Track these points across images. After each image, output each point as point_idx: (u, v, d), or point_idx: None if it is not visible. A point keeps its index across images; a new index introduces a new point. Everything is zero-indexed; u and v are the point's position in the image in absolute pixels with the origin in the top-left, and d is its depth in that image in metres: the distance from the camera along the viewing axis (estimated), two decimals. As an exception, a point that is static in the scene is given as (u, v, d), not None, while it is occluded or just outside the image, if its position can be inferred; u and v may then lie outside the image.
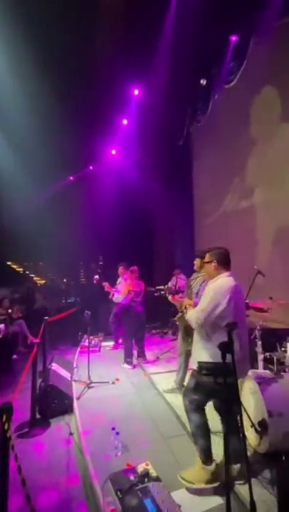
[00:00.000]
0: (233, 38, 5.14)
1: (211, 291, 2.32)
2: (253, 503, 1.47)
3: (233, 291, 2.27)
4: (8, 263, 12.43)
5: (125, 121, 7.77)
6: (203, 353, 2.31)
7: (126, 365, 4.81)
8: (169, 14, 5.08)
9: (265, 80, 5.09)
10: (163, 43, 5.48)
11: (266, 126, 5.14)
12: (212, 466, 2.29)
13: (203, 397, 2.33)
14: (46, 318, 4.42)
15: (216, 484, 2.25)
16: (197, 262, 3.50)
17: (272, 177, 5.03)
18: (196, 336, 2.43)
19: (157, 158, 8.57)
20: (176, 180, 8.32)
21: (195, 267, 3.54)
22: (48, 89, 6.05)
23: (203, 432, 2.33)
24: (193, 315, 2.35)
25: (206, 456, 2.32)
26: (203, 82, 6.22)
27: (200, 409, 2.36)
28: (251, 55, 4.94)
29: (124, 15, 5.15)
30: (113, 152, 9.16)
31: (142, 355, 5.08)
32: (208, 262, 2.50)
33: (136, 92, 6.84)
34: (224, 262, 2.44)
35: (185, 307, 2.58)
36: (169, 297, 3.83)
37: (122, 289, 4.92)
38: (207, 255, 2.53)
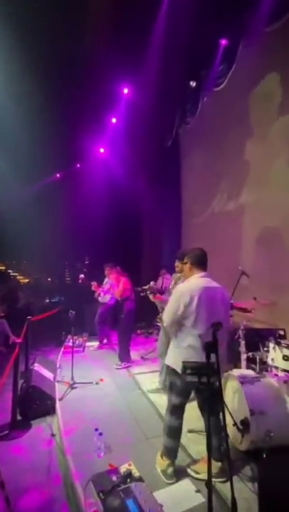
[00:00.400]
0: (223, 42, 5.19)
1: (176, 292, 2.39)
2: (234, 500, 1.49)
3: (200, 290, 2.30)
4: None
5: (114, 120, 7.72)
6: (170, 353, 2.41)
7: (120, 365, 4.75)
8: (160, 14, 5.08)
9: (253, 84, 5.19)
10: (154, 43, 5.48)
11: (254, 128, 5.24)
12: (166, 463, 2.36)
13: (176, 398, 2.38)
14: (29, 317, 4.33)
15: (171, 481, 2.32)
16: (178, 263, 3.55)
17: (259, 179, 5.13)
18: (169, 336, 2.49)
19: (146, 158, 8.58)
20: (165, 180, 8.35)
21: (177, 269, 3.57)
22: (35, 87, 5.93)
23: (169, 432, 2.40)
24: (163, 317, 2.45)
25: (166, 454, 2.40)
26: (192, 83, 6.27)
27: (175, 410, 2.40)
28: (240, 59, 5.02)
29: (114, 13, 5.11)
30: (101, 150, 9.09)
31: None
32: (184, 264, 2.57)
33: (125, 90, 6.81)
34: (198, 263, 2.48)
35: (163, 308, 2.63)
36: (150, 296, 3.84)
37: (120, 288, 4.81)
38: (185, 257, 2.58)
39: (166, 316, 2.38)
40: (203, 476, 2.30)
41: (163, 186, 8.38)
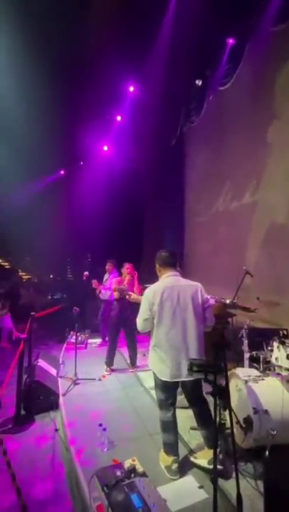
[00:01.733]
0: (230, 41, 5.19)
1: (144, 295, 2.49)
2: (239, 495, 1.51)
3: (162, 289, 2.38)
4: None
5: (119, 118, 7.72)
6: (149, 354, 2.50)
7: (135, 369, 4.58)
8: (168, 12, 5.07)
9: (259, 84, 5.18)
10: (160, 41, 5.48)
11: (259, 128, 5.24)
12: (171, 460, 2.39)
13: (162, 394, 2.46)
14: (33, 313, 4.35)
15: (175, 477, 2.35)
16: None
17: (264, 178, 5.13)
18: None
19: (150, 157, 8.57)
20: (168, 179, 8.35)
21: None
22: (40, 84, 5.92)
23: (163, 427, 2.47)
24: (136, 321, 2.53)
25: (167, 449, 2.45)
26: (198, 82, 6.25)
27: (162, 405, 2.48)
28: (247, 58, 5.01)
29: (121, 10, 5.11)
30: (105, 148, 9.09)
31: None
32: (155, 268, 2.64)
33: (131, 88, 6.81)
34: (164, 264, 2.55)
35: None
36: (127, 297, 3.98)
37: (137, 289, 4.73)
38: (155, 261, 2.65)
39: (138, 320, 2.47)
40: (201, 461, 2.43)
41: (166, 185, 8.38)
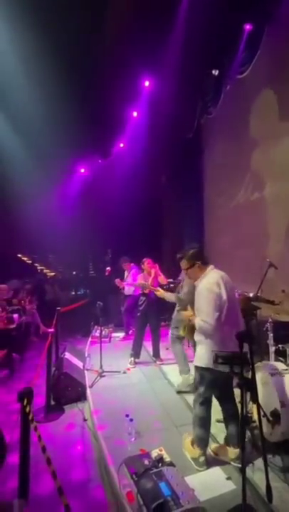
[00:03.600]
0: (247, 27, 5.01)
1: (204, 291, 2.31)
2: (269, 486, 1.52)
3: (222, 280, 2.35)
4: (19, 256, 12.62)
5: (135, 114, 7.71)
6: (202, 353, 2.38)
7: (160, 360, 4.66)
8: (182, 1, 4.97)
9: (278, 72, 4.98)
10: (175, 31, 5.38)
11: (280, 116, 5.06)
12: (199, 452, 2.41)
13: (207, 390, 2.41)
14: (59, 308, 4.51)
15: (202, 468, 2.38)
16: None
17: (286, 169, 4.96)
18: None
19: (167, 151, 8.50)
20: (187, 172, 8.25)
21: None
22: (55, 79, 5.95)
23: (200, 423, 2.45)
24: (202, 324, 2.29)
25: (198, 443, 2.44)
26: (214, 72, 6.10)
27: (204, 402, 2.44)
28: (265, 44, 4.83)
29: (135, 3, 5.06)
30: (121, 145, 9.12)
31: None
32: (191, 267, 2.48)
33: (146, 83, 6.76)
34: (204, 257, 2.50)
35: (189, 319, 2.55)
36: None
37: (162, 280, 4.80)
38: (185, 261, 2.52)
39: (209, 318, 2.23)
40: (225, 457, 2.44)
41: (185, 179, 8.30)
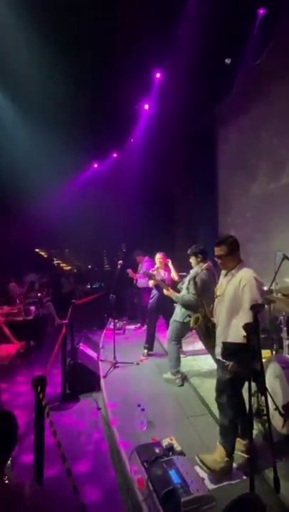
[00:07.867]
0: (261, 11, 4.82)
1: (252, 279, 2.20)
2: (277, 478, 1.53)
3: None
4: (36, 250, 12.95)
5: (147, 107, 7.65)
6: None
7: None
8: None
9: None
10: (186, 20, 5.25)
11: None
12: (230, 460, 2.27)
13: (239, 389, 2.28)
14: (74, 301, 4.62)
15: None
16: (193, 259, 3.67)
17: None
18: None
19: (179, 142, 8.40)
20: (199, 163, 8.12)
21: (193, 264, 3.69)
22: (66, 75, 5.97)
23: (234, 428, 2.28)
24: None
25: (231, 450, 2.28)
26: (227, 61, 5.91)
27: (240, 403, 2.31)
28: (280, 28, 4.63)
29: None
30: (132, 140, 9.09)
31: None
32: (230, 254, 2.33)
33: (158, 75, 6.68)
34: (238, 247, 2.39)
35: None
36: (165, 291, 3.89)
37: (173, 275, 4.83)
38: (225, 248, 2.32)
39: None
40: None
41: (197, 170, 8.18)
